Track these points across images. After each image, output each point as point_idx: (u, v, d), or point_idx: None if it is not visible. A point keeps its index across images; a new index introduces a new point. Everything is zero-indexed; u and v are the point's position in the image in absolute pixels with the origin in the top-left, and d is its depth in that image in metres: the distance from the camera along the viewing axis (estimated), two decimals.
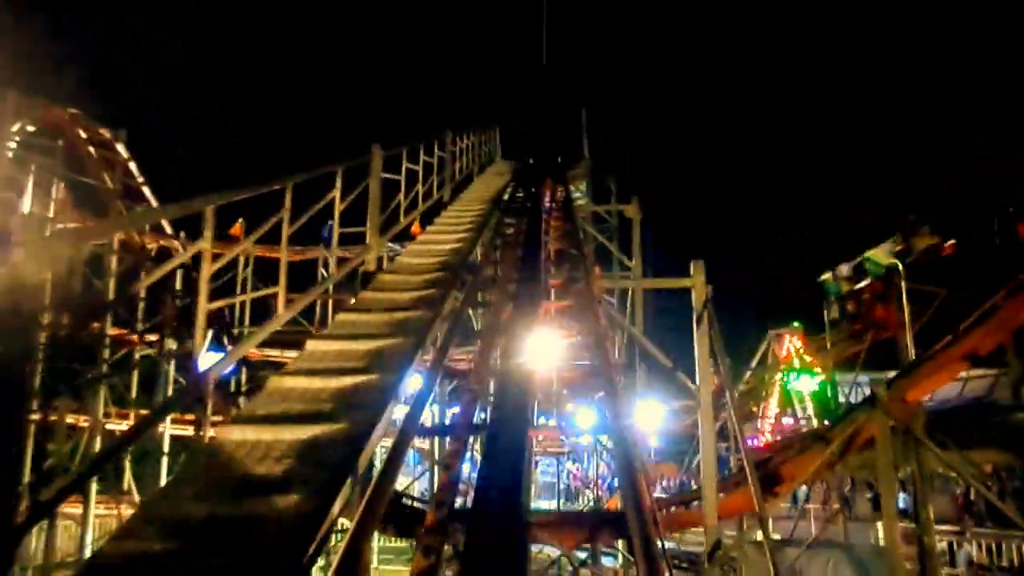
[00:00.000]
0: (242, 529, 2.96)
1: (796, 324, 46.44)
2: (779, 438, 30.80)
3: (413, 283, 7.05)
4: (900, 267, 12.36)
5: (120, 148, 18.33)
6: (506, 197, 14.81)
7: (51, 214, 16.99)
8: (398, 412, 4.62)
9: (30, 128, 16.95)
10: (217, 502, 3.17)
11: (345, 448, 3.64)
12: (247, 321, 20.53)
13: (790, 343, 46.02)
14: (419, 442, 19.20)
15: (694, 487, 29.33)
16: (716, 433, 9.64)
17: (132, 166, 18.34)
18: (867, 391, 21.40)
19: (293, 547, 2.80)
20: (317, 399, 4.37)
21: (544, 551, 11.48)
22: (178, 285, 17.24)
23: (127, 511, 16.20)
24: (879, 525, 19.44)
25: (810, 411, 36.38)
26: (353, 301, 6.63)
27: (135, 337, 18.44)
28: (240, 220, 18.98)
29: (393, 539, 18.97)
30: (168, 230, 19.33)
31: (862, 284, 15.37)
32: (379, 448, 4.50)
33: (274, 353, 19.70)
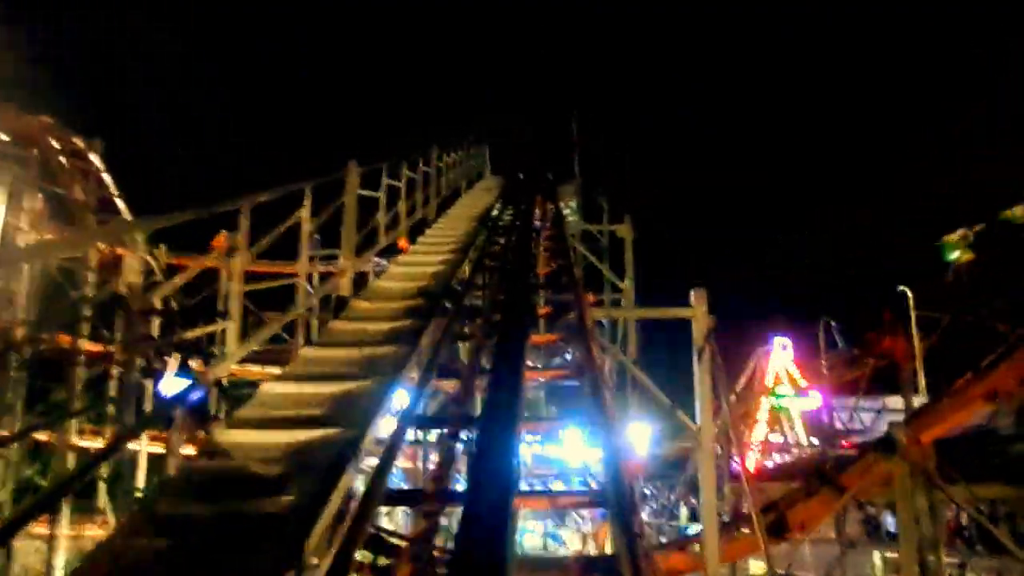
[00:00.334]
0: None
1: (786, 339, 46.01)
2: (771, 463, 30.21)
3: (389, 312, 6.43)
4: (909, 293, 11.84)
5: (94, 158, 17.63)
6: (495, 214, 14.24)
7: (25, 226, 16.38)
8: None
9: (3, 137, 16.34)
10: None
11: (292, 526, 3.01)
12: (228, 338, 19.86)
13: (780, 359, 45.56)
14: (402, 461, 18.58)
15: (683, 511, 28.72)
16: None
17: (106, 177, 17.64)
18: (864, 417, 21.01)
19: None
20: (266, 458, 3.75)
21: None
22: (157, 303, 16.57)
23: (99, 532, 15.61)
24: (875, 554, 18.91)
25: (799, 430, 35.82)
26: (320, 334, 6.01)
27: (111, 352, 17.73)
28: (223, 232, 18.43)
29: None
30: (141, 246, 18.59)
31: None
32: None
33: (255, 369, 19.11)
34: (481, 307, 7.24)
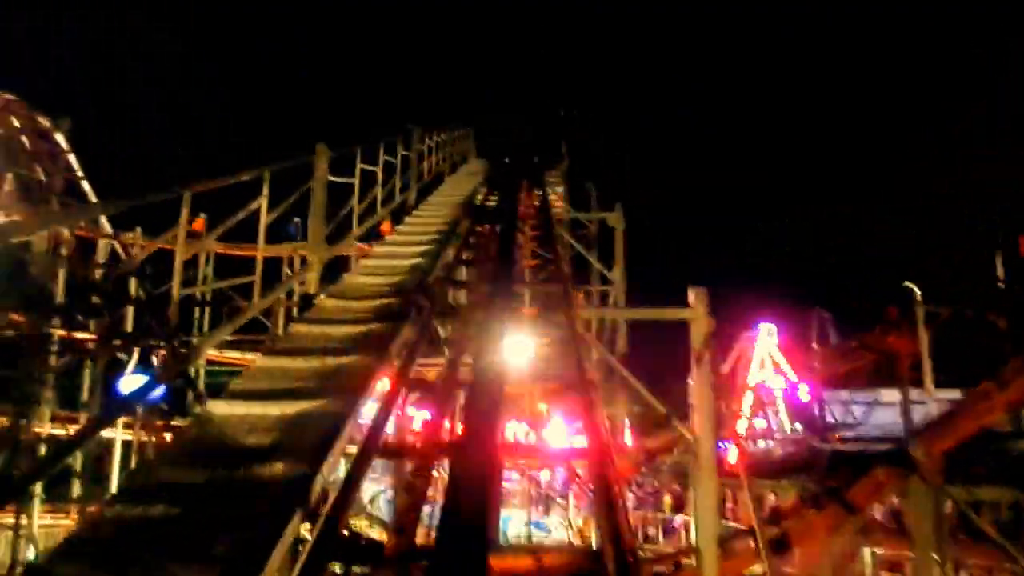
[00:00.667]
0: None
1: (772, 325, 45.62)
2: (753, 448, 29.76)
3: (358, 312, 5.81)
4: (916, 290, 11.29)
5: (59, 138, 16.83)
6: (479, 200, 13.60)
7: None
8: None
9: None
10: None
11: None
12: (206, 324, 19.24)
13: (765, 346, 45.22)
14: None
15: (667, 499, 28.28)
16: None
17: (71, 159, 16.83)
18: (857, 411, 20.56)
19: None
20: (202, 495, 3.14)
21: None
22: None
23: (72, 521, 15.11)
24: (866, 551, 18.55)
25: (783, 416, 35.48)
26: (279, 337, 5.39)
27: (86, 338, 17.03)
28: (202, 215, 17.81)
29: None
30: (108, 228, 17.83)
31: None
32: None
33: (235, 355, 18.53)
34: (461, 306, 6.65)
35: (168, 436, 12.61)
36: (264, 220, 5.92)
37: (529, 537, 31.64)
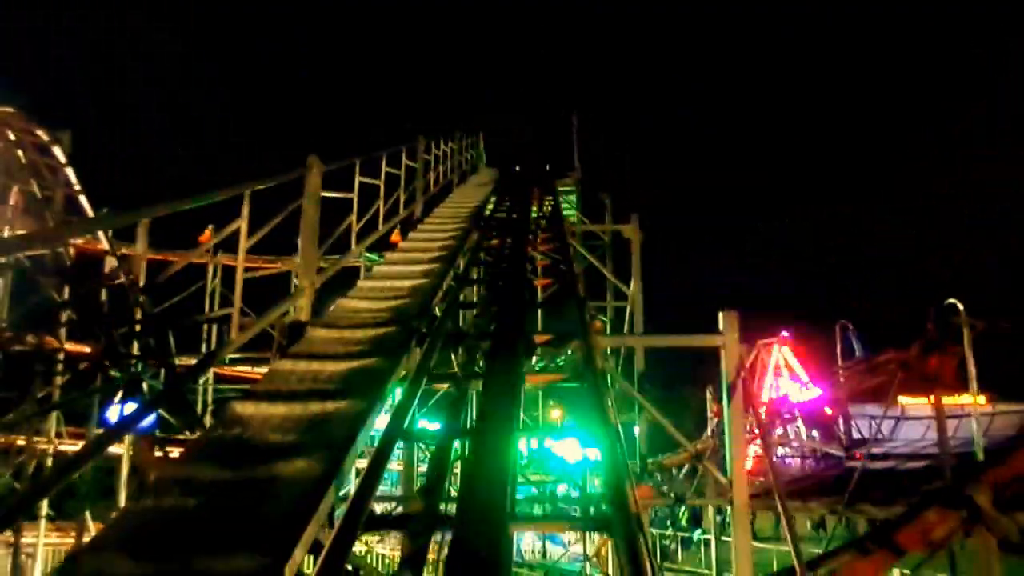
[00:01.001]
0: None
1: (785, 333, 44.91)
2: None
3: (351, 344, 5.23)
4: (960, 306, 10.58)
5: (58, 152, 16.38)
6: (488, 212, 13.04)
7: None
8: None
9: None
10: None
11: None
12: (213, 338, 18.79)
13: (779, 353, 44.47)
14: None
15: (682, 513, 27.47)
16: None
17: (70, 172, 16.38)
18: (880, 426, 19.77)
19: None
20: None
21: None
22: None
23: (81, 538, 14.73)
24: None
25: (799, 424, 34.80)
26: (261, 378, 4.82)
27: (94, 352, 16.60)
28: (210, 226, 17.47)
29: None
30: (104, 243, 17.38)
31: None
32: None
33: (244, 369, 18.13)
34: (467, 332, 6.06)
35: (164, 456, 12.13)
36: (244, 244, 5.36)
37: (544, 552, 30.90)
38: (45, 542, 16.38)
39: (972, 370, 10.55)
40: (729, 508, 5.41)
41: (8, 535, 15.48)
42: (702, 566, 20.31)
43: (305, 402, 4.11)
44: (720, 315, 5.83)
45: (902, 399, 19.52)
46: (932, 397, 11.44)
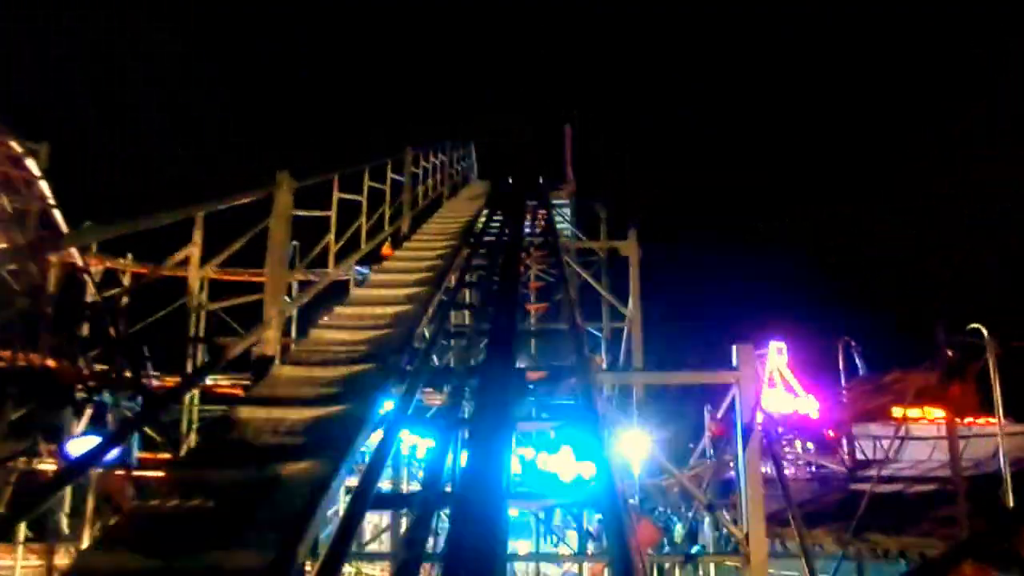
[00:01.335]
0: None
1: (782, 343, 44.29)
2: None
3: (321, 384, 4.62)
4: (985, 332, 9.98)
5: (31, 165, 15.73)
6: (478, 228, 12.44)
7: None
8: None
9: None
10: None
11: None
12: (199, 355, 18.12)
13: (775, 361, 43.86)
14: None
15: (678, 527, 26.75)
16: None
17: (43, 185, 15.72)
18: (883, 445, 19.20)
19: None
20: None
21: None
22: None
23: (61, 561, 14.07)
24: None
25: (797, 443, 34.27)
26: (220, 429, 4.22)
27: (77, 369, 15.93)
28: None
29: None
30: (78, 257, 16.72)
31: None
32: None
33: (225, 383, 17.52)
34: (453, 368, 5.47)
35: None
36: (195, 274, 4.75)
37: (538, 571, 30.04)
38: (23, 564, 15.78)
39: (998, 398, 9.93)
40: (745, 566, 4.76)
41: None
42: None
43: (260, 464, 3.50)
44: (734, 349, 5.23)
45: (897, 410, 18.91)
46: (929, 413, 10.88)
